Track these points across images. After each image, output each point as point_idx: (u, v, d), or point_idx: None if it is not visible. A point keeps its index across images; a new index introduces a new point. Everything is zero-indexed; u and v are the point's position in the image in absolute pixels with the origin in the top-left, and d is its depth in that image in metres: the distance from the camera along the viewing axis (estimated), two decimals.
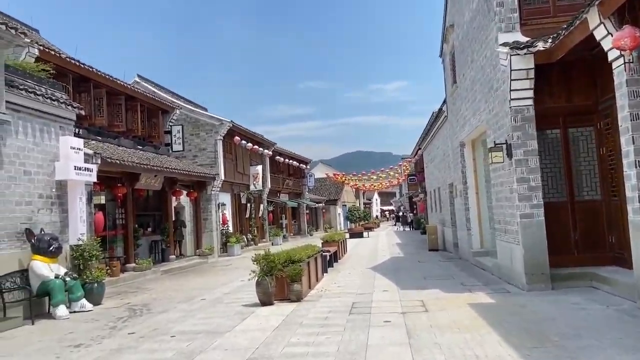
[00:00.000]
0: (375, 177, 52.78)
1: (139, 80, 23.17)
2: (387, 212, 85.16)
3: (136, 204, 17.65)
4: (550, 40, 8.17)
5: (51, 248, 9.31)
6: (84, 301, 9.60)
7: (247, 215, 28.26)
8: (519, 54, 8.54)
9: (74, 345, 6.76)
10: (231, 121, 23.88)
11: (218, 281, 13.29)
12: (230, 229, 24.94)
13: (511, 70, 8.67)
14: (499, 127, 9.73)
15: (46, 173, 10.17)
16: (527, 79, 8.70)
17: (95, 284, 10.27)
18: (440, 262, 14.79)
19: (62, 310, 8.93)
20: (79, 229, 10.77)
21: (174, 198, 20.14)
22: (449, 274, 11.99)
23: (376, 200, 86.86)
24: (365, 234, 34.89)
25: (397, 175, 53.09)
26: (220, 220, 23.67)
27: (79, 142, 10.99)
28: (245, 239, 26.75)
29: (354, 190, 63.89)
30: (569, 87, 9.39)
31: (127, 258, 15.84)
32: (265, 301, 8.76)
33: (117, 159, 13.73)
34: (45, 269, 9.18)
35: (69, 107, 10.93)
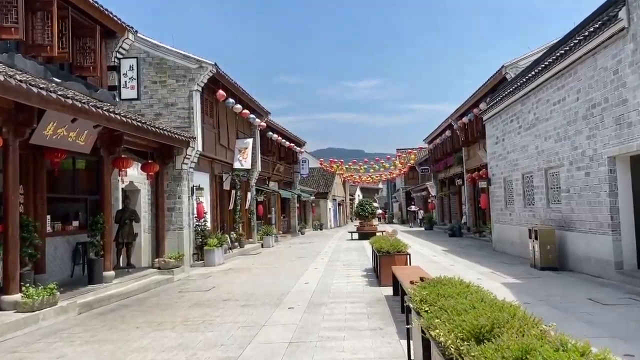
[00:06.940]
0: (377, 166, 45.40)
1: None
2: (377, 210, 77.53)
3: (49, 178, 9.64)
4: None
5: None
6: None
7: (231, 207, 20.21)
8: None
9: None
10: (215, 64, 15.82)
11: (195, 357, 5.40)
12: (209, 225, 16.93)
13: None
14: None
15: None
16: None
17: None
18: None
19: None
20: None
21: (120, 174, 12.03)
22: None
23: (358, 195, 79.14)
24: (378, 234, 27.08)
25: (399, 165, 45.90)
26: (195, 212, 15.66)
27: None
28: (229, 240, 18.76)
29: (342, 181, 56.64)
30: None
31: (5, 283, 7.75)
32: None
33: None
34: None
35: None
